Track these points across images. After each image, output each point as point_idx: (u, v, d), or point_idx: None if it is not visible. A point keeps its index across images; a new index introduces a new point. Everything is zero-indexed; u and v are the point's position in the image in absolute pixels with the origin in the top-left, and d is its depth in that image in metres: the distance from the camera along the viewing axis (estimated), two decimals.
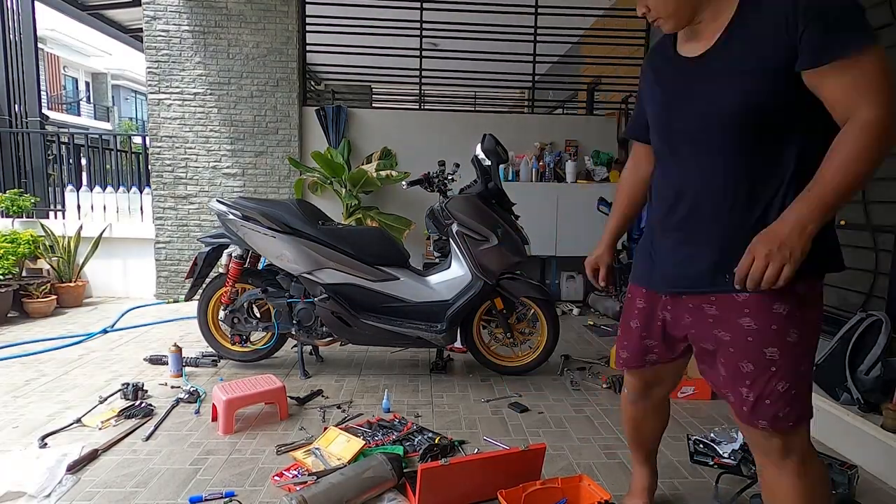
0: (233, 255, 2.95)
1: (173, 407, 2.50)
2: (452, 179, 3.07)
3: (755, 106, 1.11)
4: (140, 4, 4.68)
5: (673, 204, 1.28)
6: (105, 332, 3.82)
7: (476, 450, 2.19)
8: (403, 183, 3.11)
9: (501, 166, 3.47)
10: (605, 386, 2.92)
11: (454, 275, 2.93)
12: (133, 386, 2.58)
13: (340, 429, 2.17)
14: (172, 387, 2.76)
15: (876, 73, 1.02)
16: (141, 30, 4.76)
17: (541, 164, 4.84)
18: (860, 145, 1.01)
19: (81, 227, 4.68)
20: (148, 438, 2.21)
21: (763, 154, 1.14)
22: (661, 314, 1.40)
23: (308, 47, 4.91)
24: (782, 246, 1.03)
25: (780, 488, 1.22)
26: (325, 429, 2.23)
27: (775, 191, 1.14)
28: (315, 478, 1.85)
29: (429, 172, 3.04)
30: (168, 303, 4.80)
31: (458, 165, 3.17)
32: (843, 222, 2.78)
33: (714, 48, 1.17)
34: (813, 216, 1.03)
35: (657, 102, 1.31)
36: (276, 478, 1.92)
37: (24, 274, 4.49)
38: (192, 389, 2.62)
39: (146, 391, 2.64)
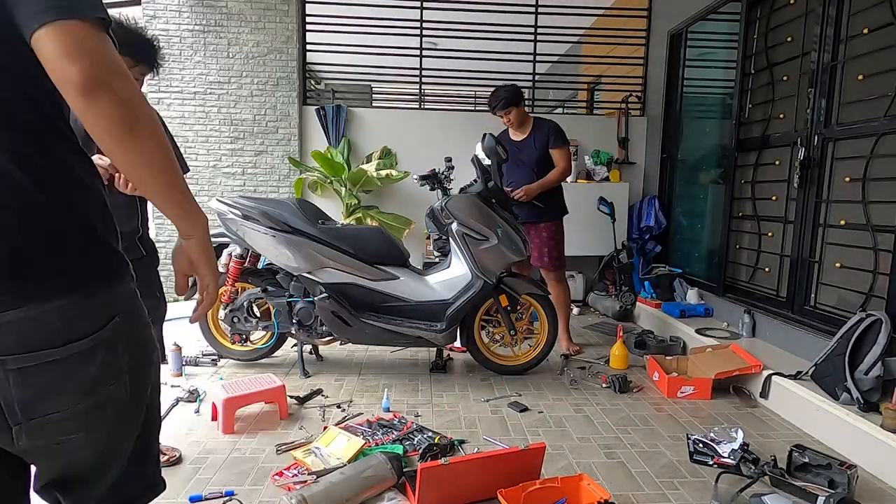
0: (233, 254, 2.94)
1: (173, 406, 2.50)
2: (449, 178, 3.08)
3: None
4: (140, 3, 4.68)
5: None
6: None
7: (476, 449, 2.19)
8: (414, 176, 3.12)
9: (503, 166, 3.46)
10: (604, 385, 2.92)
11: (454, 274, 2.93)
12: None
13: (340, 428, 2.17)
14: (172, 386, 2.75)
15: None
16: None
17: None
18: None
19: None
20: None
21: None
22: None
23: (308, 46, 4.90)
24: None
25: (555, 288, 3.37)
26: (325, 428, 2.23)
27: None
28: (315, 477, 1.85)
29: (435, 169, 3.05)
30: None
31: (451, 166, 3.18)
32: (842, 222, 2.78)
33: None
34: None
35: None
36: (276, 477, 1.92)
37: None
38: (191, 388, 2.62)
39: None
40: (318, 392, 2.74)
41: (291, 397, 2.61)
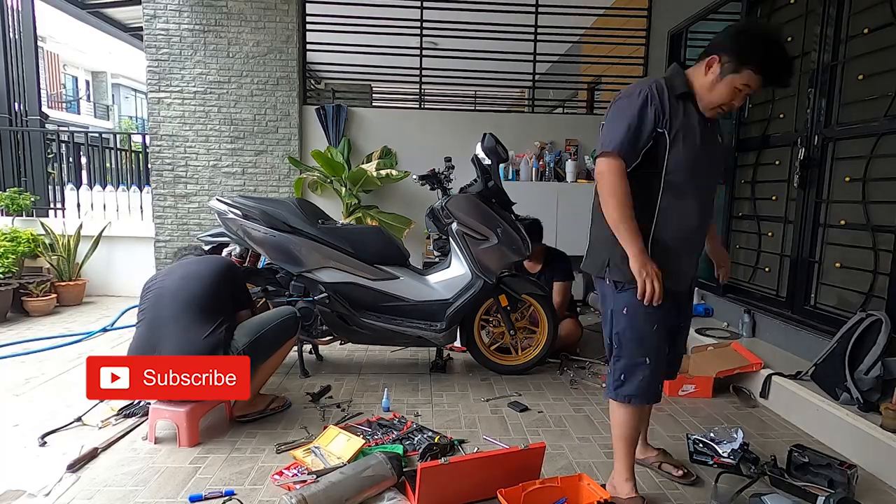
0: (232, 253, 2.94)
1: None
2: (449, 178, 3.08)
3: None
4: (140, 3, 4.68)
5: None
6: (105, 330, 3.82)
7: (475, 449, 2.19)
8: (414, 176, 3.13)
9: (501, 165, 3.45)
10: (604, 385, 2.91)
11: (454, 274, 2.93)
12: None
13: (340, 428, 2.17)
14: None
15: None
16: (141, 28, 4.76)
17: (541, 163, 4.83)
18: None
19: (81, 225, 4.68)
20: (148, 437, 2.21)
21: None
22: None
23: (308, 46, 4.90)
24: None
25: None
26: (325, 428, 2.23)
27: None
28: (315, 476, 1.84)
29: (435, 169, 3.05)
30: None
31: (451, 165, 3.18)
32: (842, 222, 2.78)
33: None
34: None
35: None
36: (276, 476, 1.92)
37: (23, 272, 4.48)
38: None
39: None
40: (328, 389, 2.77)
41: (307, 394, 2.67)
